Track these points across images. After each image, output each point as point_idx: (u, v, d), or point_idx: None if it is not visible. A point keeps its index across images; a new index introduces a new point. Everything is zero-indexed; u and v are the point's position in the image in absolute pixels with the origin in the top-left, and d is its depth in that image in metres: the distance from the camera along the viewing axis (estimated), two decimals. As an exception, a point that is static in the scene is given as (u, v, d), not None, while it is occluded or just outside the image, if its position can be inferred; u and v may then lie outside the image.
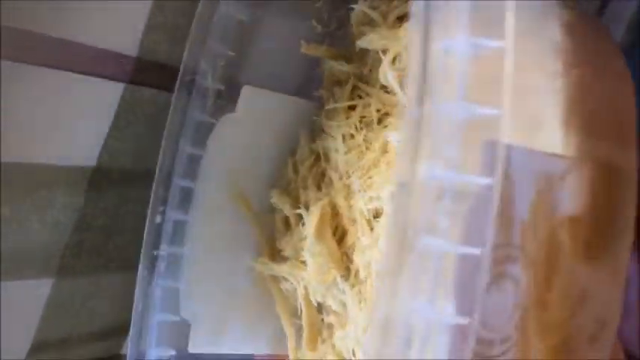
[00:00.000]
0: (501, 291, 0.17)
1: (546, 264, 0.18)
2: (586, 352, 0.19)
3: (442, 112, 0.16)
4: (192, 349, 0.27)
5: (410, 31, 0.18)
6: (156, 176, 0.26)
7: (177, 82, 0.26)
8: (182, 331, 0.27)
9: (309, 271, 0.26)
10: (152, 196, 0.26)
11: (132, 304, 0.27)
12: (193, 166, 0.27)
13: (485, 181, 0.15)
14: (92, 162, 0.27)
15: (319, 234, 0.25)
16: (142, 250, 0.26)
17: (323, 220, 0.26)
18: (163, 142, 0.26)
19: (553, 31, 0.19)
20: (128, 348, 0.26)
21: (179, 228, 0.27)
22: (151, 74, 0.27)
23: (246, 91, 0.27)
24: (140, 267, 0.26)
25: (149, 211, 0.26)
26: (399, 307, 0.16)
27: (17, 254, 0.25)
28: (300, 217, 0.27)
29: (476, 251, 0.15)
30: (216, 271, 0.28)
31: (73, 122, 0.26)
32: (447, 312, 0.15)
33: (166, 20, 0.26)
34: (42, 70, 0.24)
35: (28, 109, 0.24)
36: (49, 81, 0.24)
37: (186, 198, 0.27)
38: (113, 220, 0.28)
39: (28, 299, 0.27)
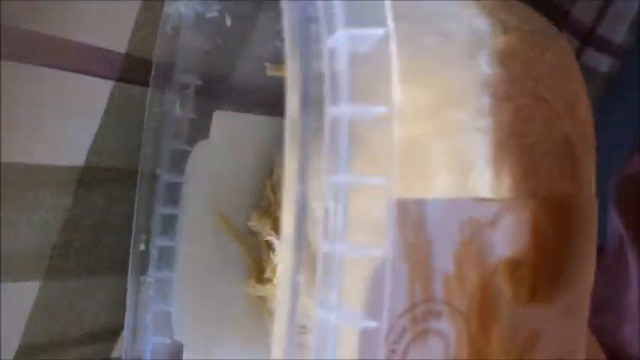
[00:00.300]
0: (426, 349, 0.16)
1: (480, 314, 0.17)
2: None
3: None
4: None
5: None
6: (135, 206, 0.27)
7: (147, 112, 0.26)
8: (177, 351, 0.27)
9: None
10: (134, 225, 0.27)
11: (122, 305, 0.27)
12: (173, 193, 0.27)
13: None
14: (80, 162, 0.26)
15: None
16: (129, 277, 0.27)
17: None
18: (139, 171, 0.27)
19: (481, 64, 0.17)
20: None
21: (165, 253, 0.27)
22: (140, 72, 0.26)
23: (218, 116, 0.27)
24: (128, 294, 0.27)
25: (132, 240, 0.27)
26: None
27: (6, 256, 0.25)
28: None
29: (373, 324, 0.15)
30: (207, 294, 0.28)
31: (61, 121, 0.26)
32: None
33: (156, 17, 0.26)
34: (28, 68, 0.23)
35: (14, 108, 0.24)
36: (36, 79, 0.24)
37: (170, 224, 0.27)
38: (102, 221, 0.28)
39: (17, 301, 0.26)
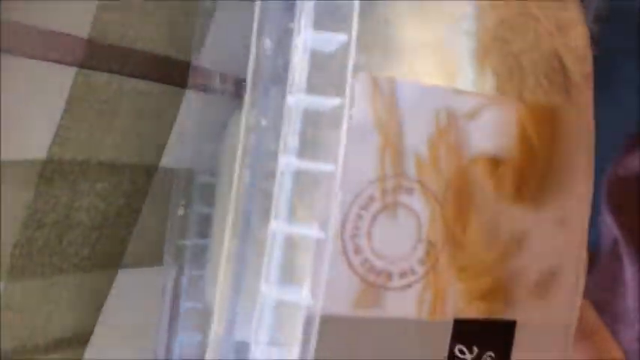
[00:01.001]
0: (394, 220, 0.17)
1: (457, 201, 0.18)
2: (534, 302, 0.19)
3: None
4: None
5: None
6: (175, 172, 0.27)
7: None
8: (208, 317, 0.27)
9: None
10: (173, 190, 0.27)
11: (91, 307, 0.27)
12: (212, 162, 0.27)
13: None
14: (42, 154, 0.25)
15: None
16: (166, 242, 0.27)
17: None
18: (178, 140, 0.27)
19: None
20: (157, 335, 0.27)
21: (203, 219, 0.27)
22: (104, 58, 0.25)
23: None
24: (165, 257, 0.27)
25: (170, 205, 0.27)
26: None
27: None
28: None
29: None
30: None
31: (20, 111, 0.24)
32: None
33: (120, -1, 0.25)
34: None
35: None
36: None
37: (210, 192, 0.27)
38: (66, 216, 0.26)
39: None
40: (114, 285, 0.29)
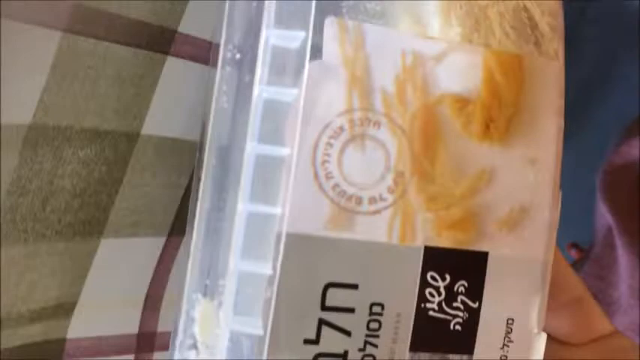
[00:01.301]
0: (363, 150, 0.19)
1: (424, 136, 0.19)
2: (505, 236, 0.20)
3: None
4: None
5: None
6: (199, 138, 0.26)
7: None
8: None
9: None
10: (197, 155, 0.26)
11: (75, 276, 0.27)
12: None
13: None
14: (27, 119, 0.25)
15: None
16: (191, 198, 0.26)
17: None
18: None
19: None
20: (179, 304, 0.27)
21: None
22: (91, 23, 0.26)
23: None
24: (188, 216, 0.26)
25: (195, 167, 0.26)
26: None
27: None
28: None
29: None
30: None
31: (5, 75, 0.25)
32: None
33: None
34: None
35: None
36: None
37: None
38: (50, 182, 0.27)
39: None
40: (97, 254, 0.29)
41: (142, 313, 0.32)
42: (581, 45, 0.53)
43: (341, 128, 0.18)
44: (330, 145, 0.18)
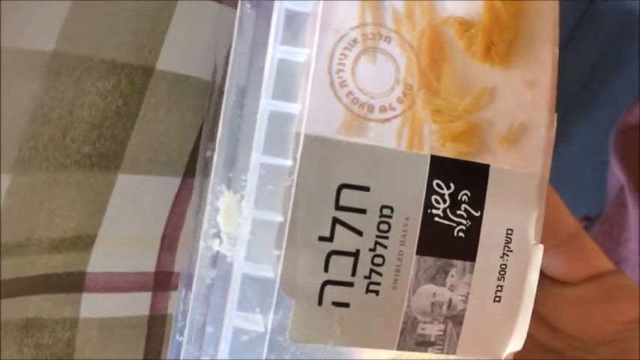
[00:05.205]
0: (375, 62, 0.22)
1: (431, 52, 0.22)
2: (506, 151, 0.22)
3: None
4: None
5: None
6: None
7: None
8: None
9: None
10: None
11: (94, 209, 0.29)
12: None
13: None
14: (50, 47, 0.28)
15: None
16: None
17: None
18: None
19: None
20: (192, 243, 0.28)
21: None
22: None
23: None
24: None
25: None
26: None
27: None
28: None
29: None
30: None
31: (30, 3, 0.26)
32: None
33: None
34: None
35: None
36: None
37: None
38: (70, 112, 0.29)
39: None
40: (115, 189, 0.32)
41: (159, 253, 0.34)
42: (600, 18, 0.55)
43: (354, 40, 0.21)
44: (344, 55, 0.21)
